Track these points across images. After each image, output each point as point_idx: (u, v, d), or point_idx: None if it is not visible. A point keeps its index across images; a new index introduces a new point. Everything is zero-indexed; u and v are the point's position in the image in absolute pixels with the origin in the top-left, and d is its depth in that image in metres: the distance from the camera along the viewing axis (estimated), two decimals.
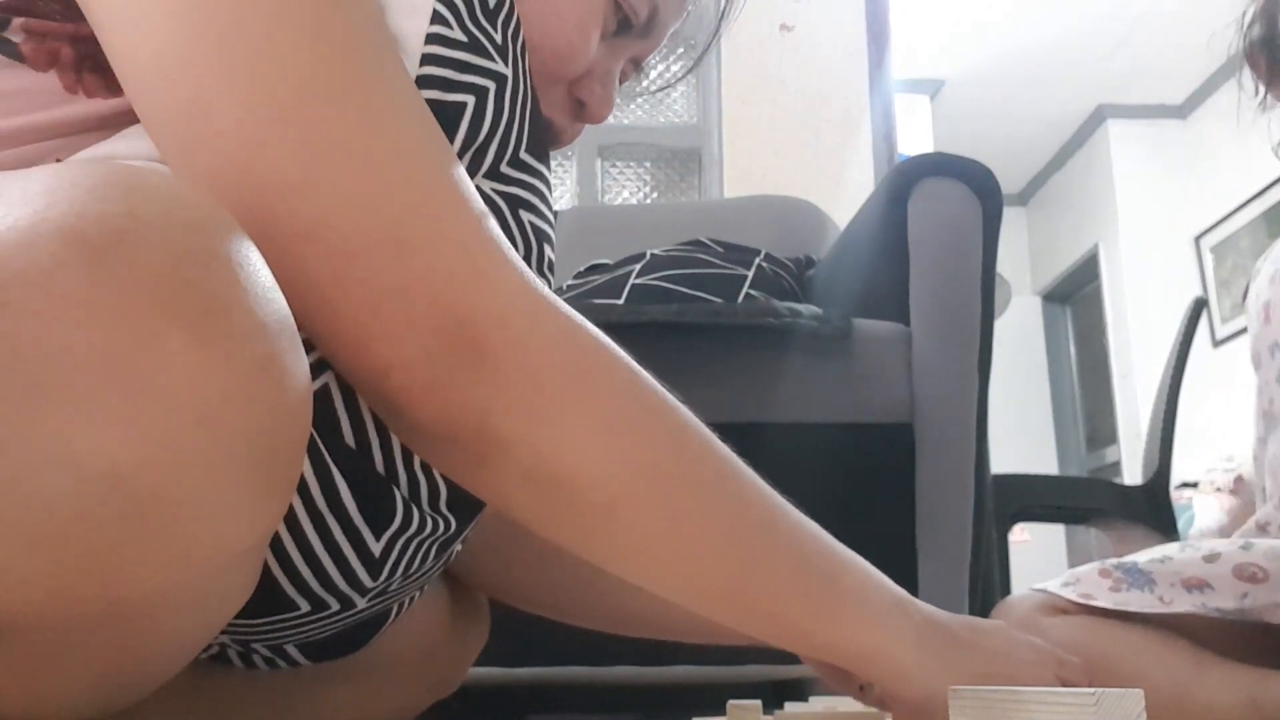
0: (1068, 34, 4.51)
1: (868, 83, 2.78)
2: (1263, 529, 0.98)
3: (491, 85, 0.55)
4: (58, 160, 0.48)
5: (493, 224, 0.46)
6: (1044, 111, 5.17)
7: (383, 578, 0.57)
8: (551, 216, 0.64)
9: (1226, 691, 0.82)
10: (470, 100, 0.54)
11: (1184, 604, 0.88)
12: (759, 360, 1.19)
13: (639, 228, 1.92)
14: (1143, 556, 0.93)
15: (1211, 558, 0.89)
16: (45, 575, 0.33)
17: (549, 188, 0.64)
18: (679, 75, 2.48)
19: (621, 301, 1.36)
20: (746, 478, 0.52)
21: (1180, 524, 2.60)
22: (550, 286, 0.63)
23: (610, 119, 0.70)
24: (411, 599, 0.66)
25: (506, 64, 0.56)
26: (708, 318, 1.19)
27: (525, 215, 0.59)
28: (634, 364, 0.50)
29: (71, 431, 0.32)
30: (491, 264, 0.44)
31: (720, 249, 1.52)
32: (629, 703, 1.31)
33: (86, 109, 0.49)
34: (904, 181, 1.26)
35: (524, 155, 0.59)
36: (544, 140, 0.63)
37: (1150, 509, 2.06)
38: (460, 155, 0.55)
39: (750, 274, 1.41)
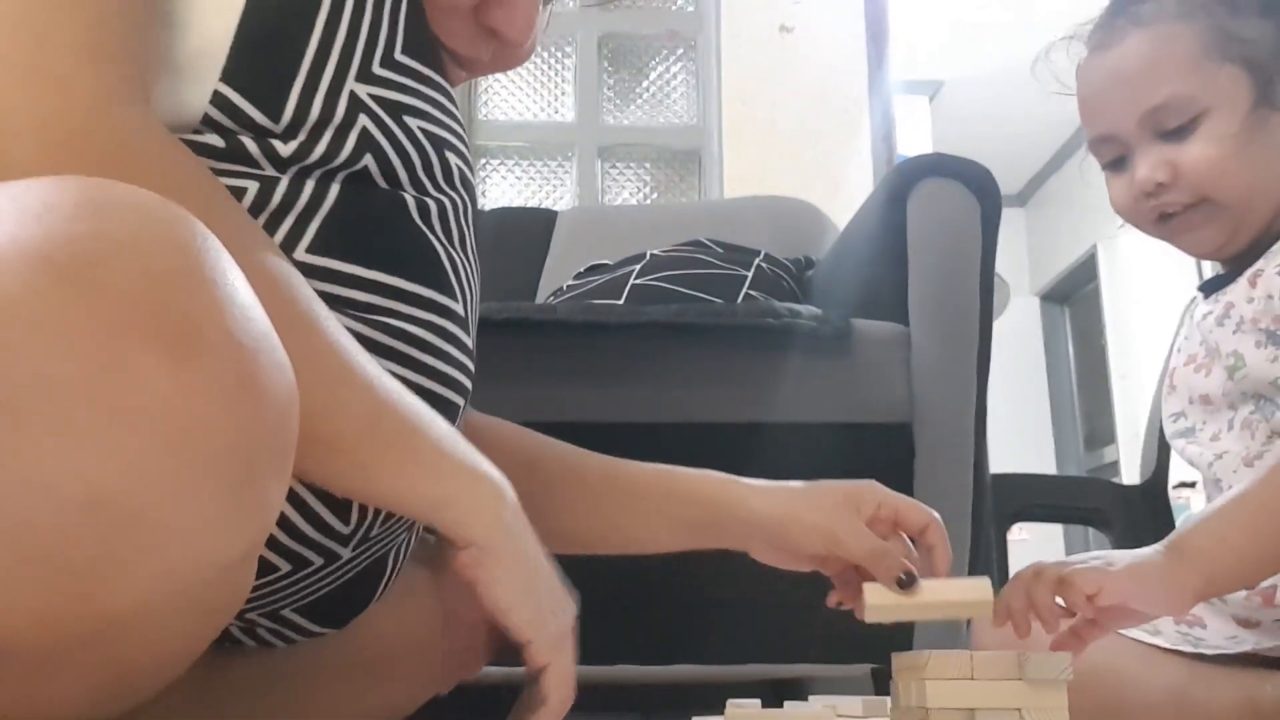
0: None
1: (867, 83, 2.78)
2: None
3: None
4: None
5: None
6: (1043, 112, 5.14)
7: (354, 522, 0.56)
8: (457, 127, 0.64)
9: (1224, 691, 0.81)
10: None
11: (1171, 638, 0.87)
12: (759, 360, 1.19)
13: (639, 228, 1.92)
14: None
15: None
16: (30, 599, 0.33)
17: (450, 100, 0.64)
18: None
19: (621, 302, 1.36)
20: (326, 325, 0.49)
21: (1179, 524, 2.59)
22: (461, 198, 0.64)
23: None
24: (408, 546, 0.66)
25: None
26: (707, 318, 1.19)
27: (413, 121, 0.59)
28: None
29: (49, 457, 0.32)
30: None
31: (720, 249, 1.52)
32: (629, 702, 1.31)
33: None
34: (903, 182, 1.26)
35: (401, 58, 0.60)
36: (434, 51, 0.63)
37: (1149, 509, 2.06)
38: (321, 50, 0.56)
39: (750, 274, 1.41)
